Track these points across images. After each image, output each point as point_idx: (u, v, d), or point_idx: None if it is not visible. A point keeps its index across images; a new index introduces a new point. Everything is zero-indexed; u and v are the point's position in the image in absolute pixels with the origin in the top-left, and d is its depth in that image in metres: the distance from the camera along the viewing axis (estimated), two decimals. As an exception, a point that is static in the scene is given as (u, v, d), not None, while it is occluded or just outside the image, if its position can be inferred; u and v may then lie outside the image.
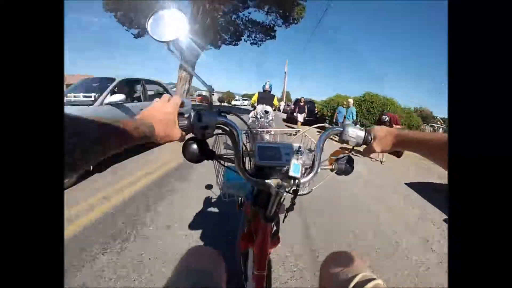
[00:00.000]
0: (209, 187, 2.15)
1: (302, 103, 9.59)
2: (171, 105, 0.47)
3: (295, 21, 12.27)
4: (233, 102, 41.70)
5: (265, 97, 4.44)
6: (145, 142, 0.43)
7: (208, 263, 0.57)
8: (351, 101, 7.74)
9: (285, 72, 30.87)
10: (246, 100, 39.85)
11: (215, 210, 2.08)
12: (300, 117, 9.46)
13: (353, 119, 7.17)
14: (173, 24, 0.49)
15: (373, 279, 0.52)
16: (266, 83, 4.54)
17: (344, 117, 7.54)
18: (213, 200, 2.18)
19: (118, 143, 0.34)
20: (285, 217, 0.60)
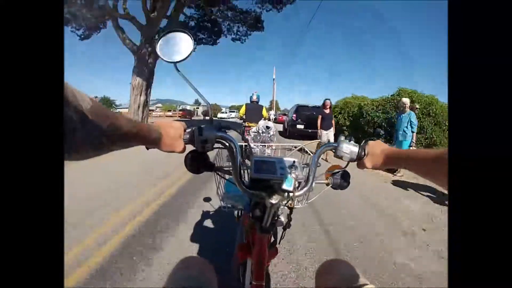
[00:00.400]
0: (207, 199, 2.19)
1: (328, 110, 5.37)
2: (179, 121, 0.54)
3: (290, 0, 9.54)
4: (219, 115, 37.79)
5: (253, 108, 4.41)
6: (149, 147, 0.49)
7: (199, 273, 0.58)
8: (407, 101, 4.19)
9: (274, 79, 29.32)
10: (234, 112, 37.99)
11: (213, 221, 2.10)
12: (328, 135, 5.28)
13: (411, 131, 4.06)
14: (181, 46, 0.52)
15: (368, 285, 0.52)
16: (253, 94, 4.48)
17: (395, 130, 4.39)
18: (211, 213, 2.22)
19: (130, 140, 0.39)
20: (282, 236, 0.61)
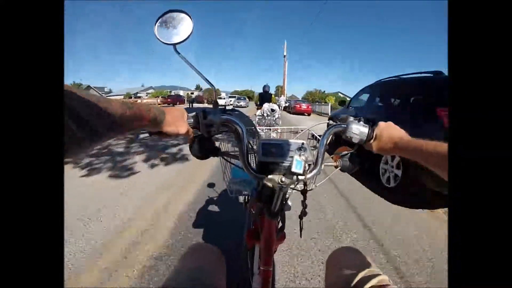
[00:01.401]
0: (211, 185, 2.14)
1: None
2: (179, 107, 0.53)
3: None
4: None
5: (265, 96, 5.54)
6: (152, 131, 0.47)
7: (208, 260, 0.58)
8: None
9: (284, 56, 24.80)
10: (234, 97, 30.63)
11: (218, 208, 2.07)
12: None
13: None
14: (180, 27, 0.50)
15: (378, 274, 0.52)
16: (265, 85, 5.69)
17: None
18: (215, 199, 2.19)
19: (128, 123, 0.37)
20: (301, 228, 0.57)
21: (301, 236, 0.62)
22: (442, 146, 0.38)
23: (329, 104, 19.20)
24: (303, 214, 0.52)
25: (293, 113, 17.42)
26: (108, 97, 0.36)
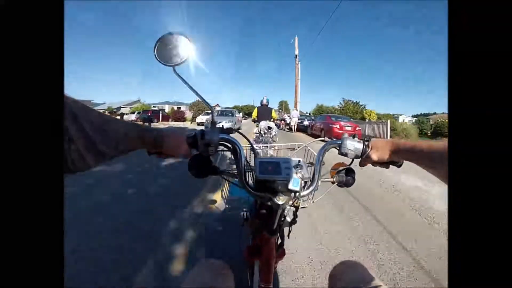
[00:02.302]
0: (213, 202, 2.16)
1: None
2: (180, 127, 0.52)
3: None
4: (198, 120, 17.25)
5: (264, 110, 4.83)
6: (151, 151, 0.48)
7: (217, 276, 0.58)
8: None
9: (296, 56, 19.26)
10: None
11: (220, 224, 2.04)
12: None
13: None
14: (179, 49, 0.52)
15: (380, 286, 0.52)
16: (263, 98, 4.96)
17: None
18: (217, 215, 2.17)
19: (132, 144, 0.40)
20: (289, 231, 0.62)
21: (288, 237, 0.68)
22: (436, 145, 0.40)
23: (387, 122, 11.31)
24: (293, 222, 0.55)
25: (308, 134, 11.46)
26: (113, 117, 0.38)
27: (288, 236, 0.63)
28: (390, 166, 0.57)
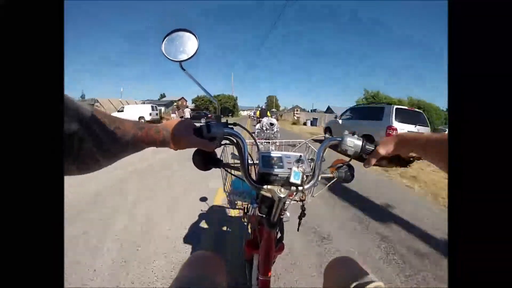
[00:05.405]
0: (203, 199, 2.29)
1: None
2: (187, 119, 0.55)
3: None
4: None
5: (264, 111, 7.16)
6: (162, 146, 0.48)
7: (209, 268, 0.59)
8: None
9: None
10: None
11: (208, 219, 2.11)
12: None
13: None
14: (186, 46, 0.54)
15: (374, 281, 0.52)
16: (263, 105, 7.88)
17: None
18: (207, 212, 2.26)
19: (139, 143, 0.41)
20: (299, 224, 0.63)
21: (298, 230, 0.68)
22: (441, 137, 0.40)
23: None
24: (302, 215, 0.58)
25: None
26: (120, 118, 0.39)
27: (298, 228, 0.64)
28: (394, 167, 0.57)
